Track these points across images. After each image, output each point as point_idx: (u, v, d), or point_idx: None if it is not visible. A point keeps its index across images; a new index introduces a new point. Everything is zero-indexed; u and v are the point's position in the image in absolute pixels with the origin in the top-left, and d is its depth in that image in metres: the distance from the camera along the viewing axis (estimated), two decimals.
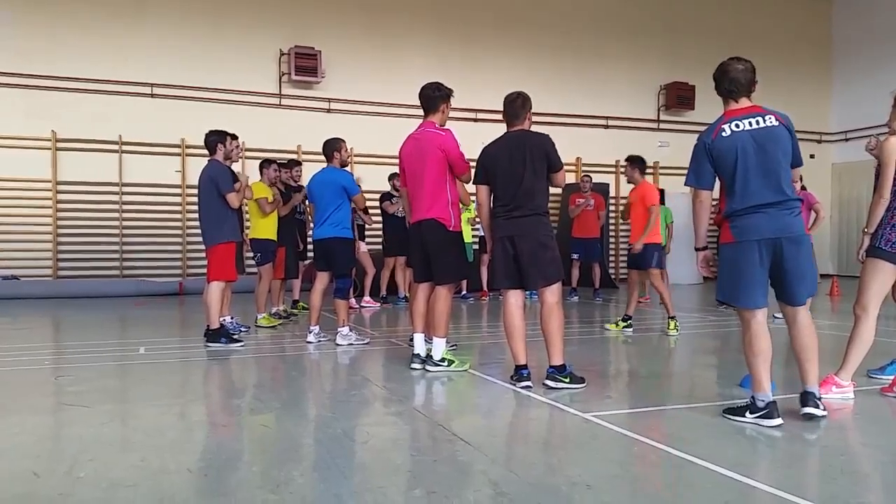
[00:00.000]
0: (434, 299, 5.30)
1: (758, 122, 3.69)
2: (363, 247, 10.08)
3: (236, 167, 7.89)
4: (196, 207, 6.76)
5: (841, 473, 3.17)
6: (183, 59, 13.14)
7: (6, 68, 12.16)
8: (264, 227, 7.90)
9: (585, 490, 2.81)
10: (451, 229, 5.26)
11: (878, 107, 5.08)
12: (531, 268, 4.69)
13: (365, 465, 3.25)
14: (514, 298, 4.82)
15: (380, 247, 11.09)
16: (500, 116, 5.00)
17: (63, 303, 10.99)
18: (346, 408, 4.32)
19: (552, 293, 4.72)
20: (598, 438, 3.65)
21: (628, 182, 7.89)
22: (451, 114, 5.61)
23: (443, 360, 5.25)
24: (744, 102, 3.79)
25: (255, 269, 8.26)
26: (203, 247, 6.70)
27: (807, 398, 3.76)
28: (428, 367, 5.26)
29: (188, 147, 12.93)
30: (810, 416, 3.72)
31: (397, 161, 5.63)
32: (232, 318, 7.34)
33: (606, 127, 16.24)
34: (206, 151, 6.74)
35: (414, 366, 5.33)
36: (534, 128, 4.97)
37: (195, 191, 6.86)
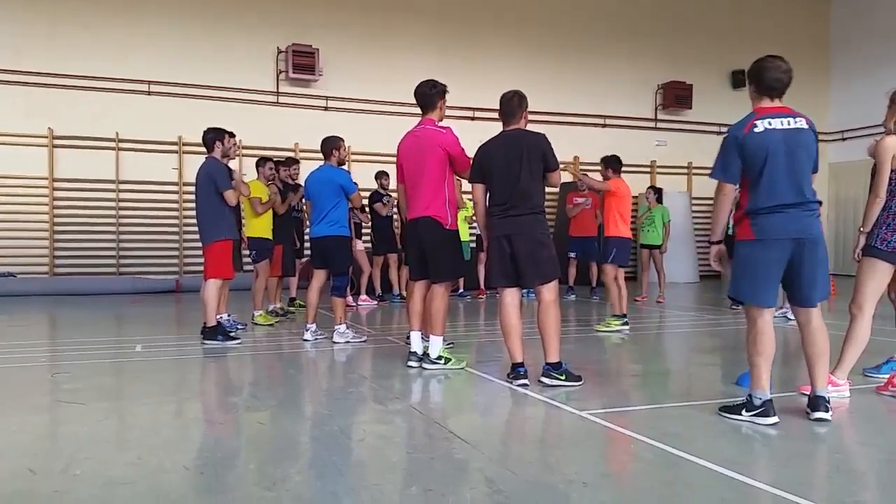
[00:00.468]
0: (431, 297, 5.30)
1: (789, 123, 3.69)
2: (360, 245, 10.10)
3: (233, 165, 7.89)
4: (193, 205, 6.74)
5: (837, 472, 3.18)
6: (180, 56, 13.12)
7: (3, 65, 12.13)
8: (259, 226, 7.88)
9: (582, 488, 2.81)
10: (447, 228, 5.26)
11: (876, 107, 5.08)
12: (528, 266, 4.70)
13: (361, 462, 3.26)
14: (511, 297, 4.83)
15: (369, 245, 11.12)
16: (497, 115, 5.00)
17: (59, 300, 10.98)
18: (342, 405, 4.33)
19: (549, 291, 4.73)
20: (594, 436, 3.65)
21: (603, 180, 7.91)
22: (450, 112, 5.61)
23: (440, 357, 5.26)
24: (776, 102, 3.79)
25: (251, 267, 8.26)
26: (200, 244, 6.69)
27: (818, 403, 3.75)
28: (425, 365, 5.26)
29: (185, 144, 12.91)
30: (821, 421, 3.72)
31: (395, 159, 5.62)
32: (229, 315, 7.34)
33: (604, 126, 16.24)
34: (203, 149, 6.73)
35: (411, 364, 5.33)
36: (531, 126, 4.97)
37: (192, 188, 6.85)
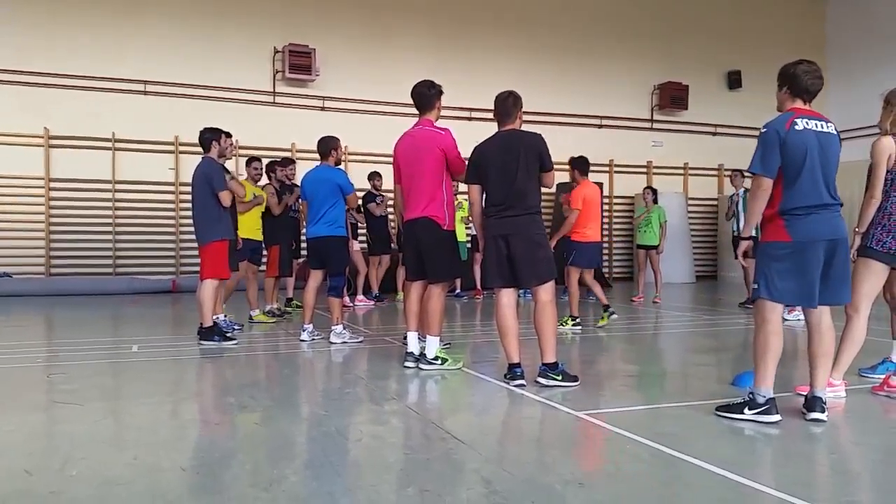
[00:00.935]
0: (428, 297, 5.29)
1: (821, 126, 3.76)
2: (356, 245, 10.10)
3: (230, 165, 7.87)
4: (189, 205, 6.73)
5: (832, 472, 3.19)
6: (176, 56, 13.11)
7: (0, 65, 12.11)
8: (244, 226, 7.82)
9: (578, 488, 2.82)
10: (445, 228, 5.26)
11: (872, 108, 5.11)
12: (525, 267, 4.70)
13: (358, 462, 3.25)
14: (507, 297, 4.83)
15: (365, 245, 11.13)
16: (493, 115, 4.99)
17: (56, 300, 10.96)
18: (339, 406, 4.32)
19: (546, 291, 4.73)
20: (590, 437, 3.66)
21: (573, 182, 7.92)
22: (446, 113, 5.62)
23: (436, 358, 5.26)
24: (807, 106, 3.85)
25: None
26: (196, 244, 6.68)
27: (814, 403, 3.78)
28: (421, 366, 5.26)
29: (181, 144, 12.90)
30: (817, 421, 3.74)
31: (392, 160, 5.62)
32: (225, 316, 7.33)
33: (600, 126, 16.27)
34: (199, 149, 6.73)
35: (407, 364, 5.33)
36: (527, 127, 4.98)
37: (188, 188, 6.84)
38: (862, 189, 4.48)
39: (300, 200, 8.23)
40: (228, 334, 6.65)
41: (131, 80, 12.82)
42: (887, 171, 4.35)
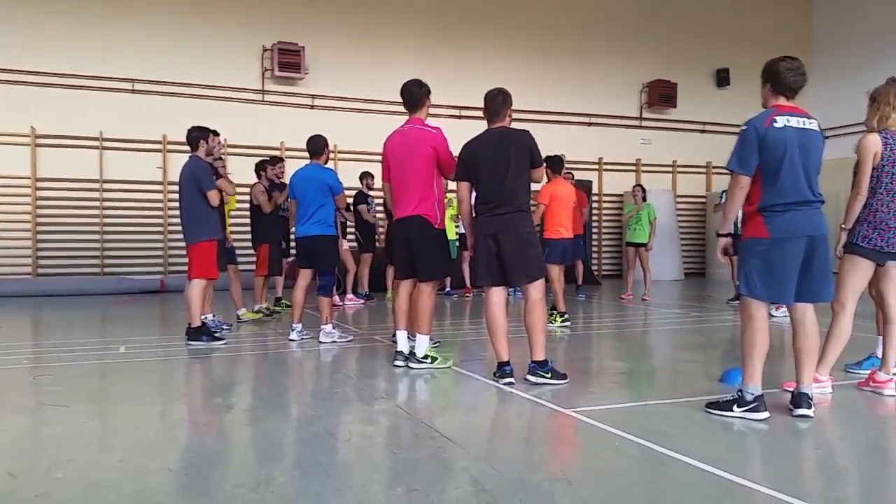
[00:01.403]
0: (418, 296, 5.29)
1: (803, 123, 3.76)
2: (345, 244, 10.08)
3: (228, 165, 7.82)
4: (178, 204, 6.70)
5: (819, 467, 3.21)
6: (164, 54, 13.04)
7: None
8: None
9: (566, 486, 2.82)
10: (436, 227, 5.26)
11: (859, 105, 5.14)
12: (514, 265, 4.70)
13: (347, 462, 3.25)
14: (497, 296, 4.83)
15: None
16: (482, 113, 5.00)
17: (43, 301, 10.88)
18: (328, 405, 4.31)
19: (535, 289, 4.74)
20: (579, 434, 3.67)
21: (546, 180, 7.95)
22: (436, 111, 5.61)
23: (426, 356, 5.25)
24: (790, 102, 3.85)
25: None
26: (184, 244, 6.65)
27: (801, 399, 3.80)
28: (411, 365, 5.26)
29: (169, 143, 12.84)
30: (804, 417, 3.76)
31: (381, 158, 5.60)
32: (213, 316, 7.29)
33: (590, 125, 16.31)
34: (187, 148, 6.69)
35: (397, 363, 5.33)
36: (517, 125, 4.98)
37: (177, 188, 6.80)
38: (848, 186, 4.51)
39: (289, 199, 8.21)
40: (217, 334, 6.62)
41: (119, 78, 12.74)
42: (873, 169, 4.38)
